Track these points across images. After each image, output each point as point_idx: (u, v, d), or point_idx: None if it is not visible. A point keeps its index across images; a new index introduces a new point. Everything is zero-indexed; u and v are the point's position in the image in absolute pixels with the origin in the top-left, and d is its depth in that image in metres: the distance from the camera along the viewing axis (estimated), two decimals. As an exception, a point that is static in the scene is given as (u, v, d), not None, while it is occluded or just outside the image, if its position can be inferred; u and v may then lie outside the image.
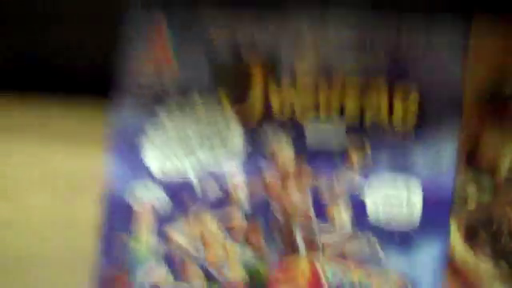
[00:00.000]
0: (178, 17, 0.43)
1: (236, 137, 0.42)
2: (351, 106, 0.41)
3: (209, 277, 0.40)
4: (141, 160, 0.42)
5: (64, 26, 0.46)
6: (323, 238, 0.40)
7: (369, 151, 0.40)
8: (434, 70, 0.40)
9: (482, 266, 0.38)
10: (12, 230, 0.46)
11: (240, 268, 0.40)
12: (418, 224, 0.38)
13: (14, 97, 0.47)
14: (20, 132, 0.47)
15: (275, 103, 0.41)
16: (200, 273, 0.40)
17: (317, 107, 0.41)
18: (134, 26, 0.43)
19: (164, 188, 0.42)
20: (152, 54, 0.42)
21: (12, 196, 0.46)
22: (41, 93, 0.47)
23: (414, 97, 0.40)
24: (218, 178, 0.41)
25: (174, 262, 0.41)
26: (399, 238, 0.38)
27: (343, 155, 0.40)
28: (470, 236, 0.38)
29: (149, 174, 0.42)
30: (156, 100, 0.42)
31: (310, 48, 0.41)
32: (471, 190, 0.38)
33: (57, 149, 0.47)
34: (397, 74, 0.40)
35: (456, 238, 0.38)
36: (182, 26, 0.42)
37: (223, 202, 0.41)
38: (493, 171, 0.38)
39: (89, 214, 0.42)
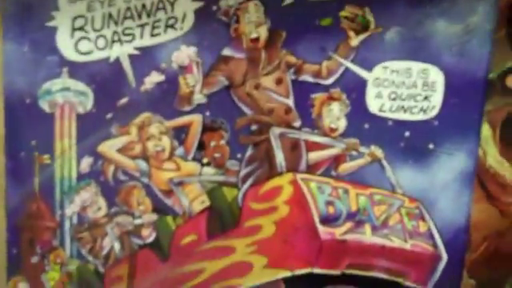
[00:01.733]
0: None
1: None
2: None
3: (159, 207, 0.35)
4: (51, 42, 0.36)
5: None
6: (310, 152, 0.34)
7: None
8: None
9: None
10: None
11: (200, 192, 0.35)
12: (438, 125, 0.32)
13: None
14: None
15: None
16: (148, 201, 0.35)
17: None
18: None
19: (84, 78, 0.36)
20: None
21: None
22: None
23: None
24: (157, 58, 0.35)
25: (110, 190, 0.36)
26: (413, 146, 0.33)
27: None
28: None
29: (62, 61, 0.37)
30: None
31: None
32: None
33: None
34: None
35: (490, 147, 0.32)
36: None
37: (167, 92, 0.35)
38: None
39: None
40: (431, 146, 0.32)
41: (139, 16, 0.36)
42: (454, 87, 0.32)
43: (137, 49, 0.36)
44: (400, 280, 0.34)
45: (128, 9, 0.36)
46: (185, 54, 0.34)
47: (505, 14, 0.31)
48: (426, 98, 0.32)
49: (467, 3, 0.31)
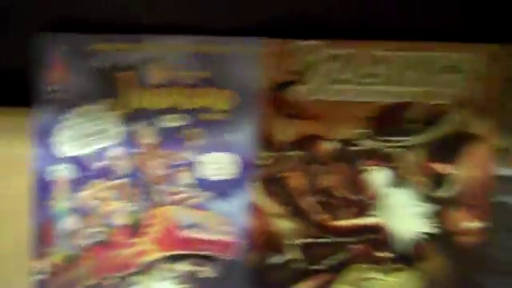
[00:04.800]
0: (70, 39, 0.54)
1: (116, 127, 0.58)
2: (189, 104, 0.59)
3: (105, 223, 0.56)
4: (55, 148, 0.55)
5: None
6: (176, 195, 0.57)
7: (201, 135, 0.59)
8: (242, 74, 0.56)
9: (274, 208, 0.57)
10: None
11: (125, 216, 0.57)
12: (233, 181, 0.56)
13: None
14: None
15: (144, 102, 0.58)
16: (100, 220, 0.56)
17: (167, 104, 0.59)
18: (38, 47, 0.54)
19: (73, 164, 0.56)
20: (54, 70, 0.54)
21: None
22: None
23: (230, 94, 0.58)
24: (103, 155, 0.57)
25: (84, 215, 0.56)
26: (222, 192, 0.56)
27: (187, 139, 0.59)
28: (265, 187, 0.57)
29: (61, 156, 0.56)
30: (62, 105, 0.55)
31: (161, 64, 0.59)
32: (267, 161, 0.57)
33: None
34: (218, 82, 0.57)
35: (256, 188, 0.57)
36: (73, 47, 0.54)
37: (109, 171, 0.57)
38: (278, 147, 0.58)
39: (23, 189, 0.57)
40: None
41: None
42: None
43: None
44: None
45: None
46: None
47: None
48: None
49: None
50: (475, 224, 0.55)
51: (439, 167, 0.56)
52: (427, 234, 0.56)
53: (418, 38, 0.55)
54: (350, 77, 0.55)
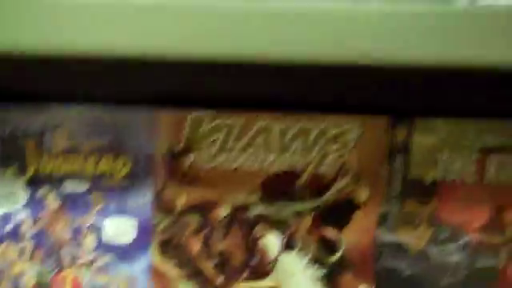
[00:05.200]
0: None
1: (22, 191, 0.63)
2: (90, 170, 0.62)
3: (14, 285, 0.62)
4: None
5: None
6: (81, 258, 0.62)
7: (103, 199, 0.62)
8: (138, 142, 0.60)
9: (174, 271, 0.60)
10: None
11: (33, 276, 0.62)
12: (133, 245, 0.60)
13: None
14: None
15: (48, 168, 0.63)
16: (8, 283, 0.61)
17: (70, 170, 0.62)
18: None
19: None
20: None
21: None
22: None
23: (128, 160, 0.61)
24: (10, 218, 0.62)
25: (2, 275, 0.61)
26: (124, 255, 0.60)
27: (89, 204, 0.62)
28: (164, 251, 0.60)
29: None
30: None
31: (63, 131, 0.62)
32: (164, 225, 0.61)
33: None
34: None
35: (155, 252, 0.61)
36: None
37: (16, 234, 0.61)
38: (175, 212, 0.61)
39: None
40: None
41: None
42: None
43: None
44: None
45: None
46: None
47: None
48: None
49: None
50: (363, 288, 0.58)
51: (328, 233, 0.58)
52: (320, 297, 0.58)
53: (304, 110, 0.58)
54: (239, 145, 0.58)
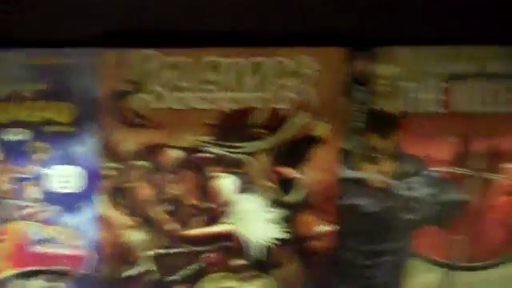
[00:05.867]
0: None
1: None
2: (30, 117, 0.58)
3: None
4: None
5: None
6: (25, 209, 0.58)
7: (46, 148, 0.58)
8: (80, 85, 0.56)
9: (123, 219, 0.57)
10: None
11: None
12: (80, 194, 0.57)
13: None
14: None
15: None
16: None
17: (9, 118, 0.58)
18: None
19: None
20: None
21: None
22: None
23: (70, 106, 0.57)
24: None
25: None
26: (71, 205, 0.57)
27: (33, 153, 0.58)
28: (113, 199, 0.57)
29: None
30: None
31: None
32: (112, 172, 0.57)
33: None
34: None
35: (103, 200, 0.57)
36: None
37: None
38: (123, 157, 0.57)
39: None
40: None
41: None
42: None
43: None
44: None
45: None
46: None
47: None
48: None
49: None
50: (325, 228, 0.55)
51: (286, 172, 0.55)
52: (279, 239, 0.55)
53: (259, 43, 0.54)
54: (188, 84, 0.55)
